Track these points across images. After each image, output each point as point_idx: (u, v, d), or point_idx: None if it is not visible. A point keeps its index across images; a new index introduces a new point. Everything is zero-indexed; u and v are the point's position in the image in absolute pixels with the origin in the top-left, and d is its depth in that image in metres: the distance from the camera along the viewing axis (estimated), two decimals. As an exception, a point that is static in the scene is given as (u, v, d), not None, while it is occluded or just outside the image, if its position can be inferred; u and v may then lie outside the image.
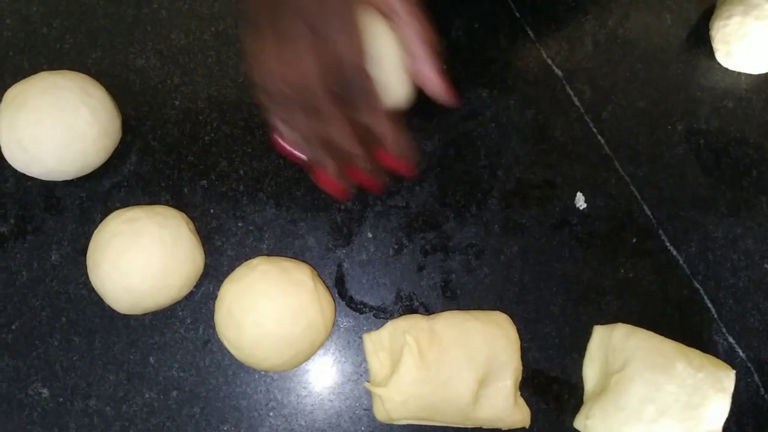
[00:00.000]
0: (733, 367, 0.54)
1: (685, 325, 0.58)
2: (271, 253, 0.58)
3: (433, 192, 0.60)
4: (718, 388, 0.53)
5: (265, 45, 0.44)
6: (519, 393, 0.54)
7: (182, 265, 0.53)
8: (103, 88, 0.56)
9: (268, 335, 0.51)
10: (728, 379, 0.53)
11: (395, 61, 0.48)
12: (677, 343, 0.55)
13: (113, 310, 0.55)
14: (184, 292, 0.54)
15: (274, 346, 0.51)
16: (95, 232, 0.54)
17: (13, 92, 0.54)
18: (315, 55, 0.43)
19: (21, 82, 0.54)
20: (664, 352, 0.54)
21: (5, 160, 0.55)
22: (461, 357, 0.52)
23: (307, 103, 0.44)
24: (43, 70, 0.57)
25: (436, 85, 0.49)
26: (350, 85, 0.43)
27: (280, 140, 0.49)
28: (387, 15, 0.47)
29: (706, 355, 0.55)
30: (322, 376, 0.56)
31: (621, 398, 0.53)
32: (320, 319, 0.53)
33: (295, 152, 0.49)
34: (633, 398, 0.52)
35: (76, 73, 0.56)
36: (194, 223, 0.57)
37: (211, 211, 0.58)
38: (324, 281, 0.57)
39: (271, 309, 0.51)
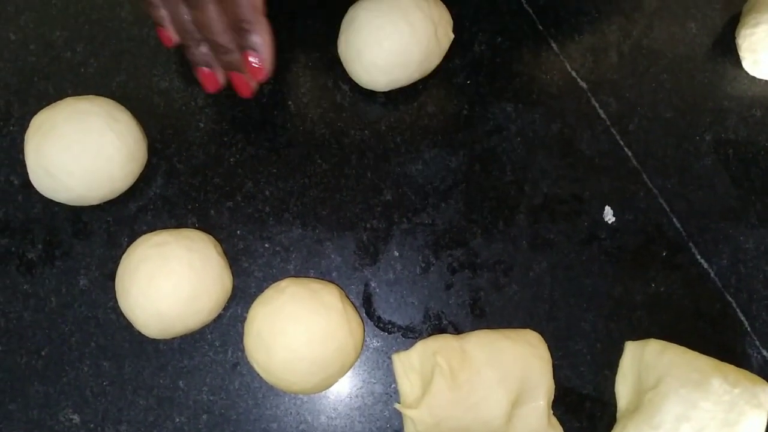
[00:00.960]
0: (768, 381, 0.53)
1: (717, 339, 0.58)
2: (298, 273, 0.57)
3: (459, 208, 0.59)
4: (754, 404, 0.52)
5: None
6: (552, 412, 0.54)
7: (211, 289, 0.53)
8: (128, 112, 0.56)
9: (298, 359, 0.51)
10: (765, 394, 0.52)
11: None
12: (711, 358, 0.54)
13: (142, 335, 0.55)
14: (213, 315, 0.54)
15: (305, 369, 0.51)
16: (123, 257, 0.54)
17: (40, 119, 0.54)
18: None
19: (47, 108, 0.54)
20: (698, 367, 0.53)
21: (32, 186, 0.55)
22: (493, 377, 0.52)
23: None
24: (67, 95, 0.57)
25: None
26: None
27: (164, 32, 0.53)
28: None
29: (741, 370, 0.54)
30: (352, 398, 0.56)
31: (655, 416, 0.52)
32: (350, 340, 0.52)
33: (170, 38, 0.54)
34: (668, 416, 0.52)
35: (102, 98, 0.56)
36: (221, 245, 0.56)
37: (238, 232, 0.58)
38: (351, 301, 0.56)
39: (300, 332, 0.51)
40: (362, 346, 0.55)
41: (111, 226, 0.58)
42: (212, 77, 0.54)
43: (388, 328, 0.57)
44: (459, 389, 0.52)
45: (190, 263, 0.52)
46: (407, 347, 0.55)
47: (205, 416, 0.55)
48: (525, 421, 0.53)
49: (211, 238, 0.56)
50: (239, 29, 0.50)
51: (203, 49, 0.53)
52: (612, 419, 0.56)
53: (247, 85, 0.54)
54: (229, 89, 0.55)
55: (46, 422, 0.54)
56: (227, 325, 0.56)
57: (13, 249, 0.57)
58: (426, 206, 0.59)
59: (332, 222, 0.59)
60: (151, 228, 0.57)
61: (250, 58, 0.52)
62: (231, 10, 0.49)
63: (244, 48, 0.51)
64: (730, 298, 0.58)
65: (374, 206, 0.59)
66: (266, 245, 0.58)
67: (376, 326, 0.57)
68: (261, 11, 0.50)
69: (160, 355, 0.56)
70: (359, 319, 0.55)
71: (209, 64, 0.54)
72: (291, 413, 0.55)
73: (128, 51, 0.61)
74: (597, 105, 0.62)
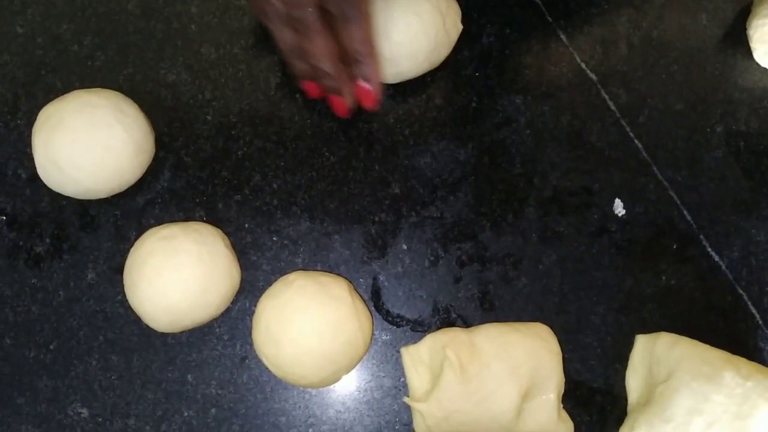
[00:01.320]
0: (781, 375, 0.52)
1: (729, 332, 0.57)
2: (306, 266, 0.57)
3: (468, 201, 0.59)
4: (767, 397, 0.51)
5: None
6: (562, 406, 0.53)
7: (220, 282, 0.52)
8: (136, 105, 0.56)
9: (307, 352, 0.50)
10: (777, 387, 0.52)
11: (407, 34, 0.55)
12: (723, 351, 0.54)
13: (150, 329, 0.55)
14: (222, 308, 0.54)
15: (313, 362, 0.51)
16: (131, 250, 0.54)
17: (47, 112, 0.54)
18: None
19: (55, 101, 0.54)
20: (710, 360, 0.52)
21: (39, 180, 0.55)
22: (503, 371, 0.51)
23: (295, 17, 0.47)
24: (75, 88, 0.57)
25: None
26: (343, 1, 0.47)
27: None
28: None
29: (754, 363, 0.54)
30: (361, 392, 0.56)
31: (667, 409, 0.52)
32: (359, 334, 0.52)
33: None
34: (680, 409, 0.51)
35: (110, 90, 0.56)
36: (229, 239, 0.56)
37: (246, 225, 0.58)
38: (360, 294, 0.56)
39: (309, 325, 0.51)
40: (371, 340, 0.55)
41: (118, 220, 0.57)
42: (340, 101, 0.54)
43: (397, 321, 0.57)
44: (468, 383, 0.51)
45: (199, 256, 0.52)
46: (416, 341, 0.55)
47: (213, 410, 0.55)
48: (535, 414, 0.52)
49: (219, 231, 0.55)
50: (352, 60, 0.51)
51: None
52: (622, 413, 0.55)
53: (345, 106, 0.55)
54: (235, 84, 0.55)
55: (54, 416, 0.54)
56: (235, 319, 0.56)
57: (20, 243, 0.57)
58: (434, 199, 0.59)
59: (340, 215, 0.58)
60: (159, 221, 0.57)
61: (362, 86, 0.53)
62: (347, 43, 0.50)
63: (353, 76, 0.53)
64: (741, 291, 0.58)
65: (382, 199, 0.59)
66: (274, 238, 0.58)
67: (385, 320, 0.57)
68: (374, 44, 0.51)
69: (169, 348, 0.55)
70: (368, 313, 0.54)
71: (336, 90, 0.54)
72: (300, 407, 0.55)
73: (135, 44, 0.61)
74: (607, 97, 0.61)
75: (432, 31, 0.56)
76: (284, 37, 0.50)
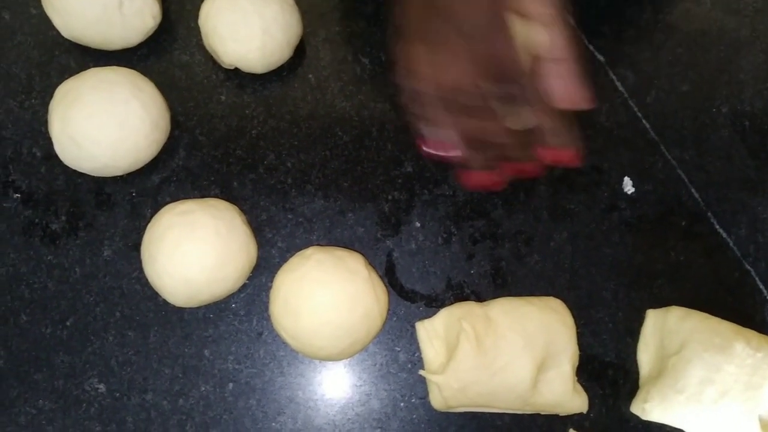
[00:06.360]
0: (789, 347, 0.53)
1: (737, 307, 0.58)
2: (320, 243, 0.58)
3: (480, 180, 0.59)
4: (776, 368, 0.52)
5: (417, 52, 0.46)
6: (576, 378, 0.54)
7: (237, 257, 0.53)
8: (152, 83, 0.56)
9: (325, 323, 0.51)
10: (786, 359, 0.53)
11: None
12: (733, 324, 0.55)
13: (167, 304, 0.55)
14: (239, 283, 0.54)
15: (332, 334, 0.51)
16: (149, 225, 0.54)
17: (65, 88, 0.54)
18: (470, 57, 0.44)
19: (72, 78, 0.54)
20: (721, 332, 0.53)
21: (55, 158, 0.55)
22: (519, 342, 0.52)
23: (461, 104, 0.46)
24: (88, 68, 0.57)
25: (570, 93, 0.47)
26: (508, 83, 0.45)
27: (425, 146, 0.50)
28: (529, 18, 0.46)
29: (763, 335, 0.55)
30: (376, 366, 0.56)
31: (679, 381, 0.52)
32: (376, 307, 0.53)
33: (441, 153, 0.50)
34: (692, 380, 0.52)
35: (126, 68, 0.56)
36: (245, 216, 0.57)
37: (261, 203, 0.58)
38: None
39: (328, 297, 0.51)
40: (387, 313, 0.55)
41: (134, 198, 0.58)
42: (492, 179, 0.51)
43: (411, 297, 0.57)
44: (485, 354, 0.52)
45: (217, 231, 0.52)
46: (430, 316, 0.55)
47: (230, 385, 0.55)
48: (550, 385, 0.53)
49: (236, 207, 0.56)
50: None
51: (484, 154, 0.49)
52: (634, 386, 0.56)
53: (538, 167, 0.50)
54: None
55: (71, 392, 0.55)
56: (251, 294, 0.56)
57: (36, 220, 0.57)
58: (447, 177, 0.59)
59: (354, 193, 0.59)
60: (174, 199, 0.57)
61: (562, 154, 0.48)
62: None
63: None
64: (748, 267, 0.59)
65: (395, 178, 0.59)
66: (289, 216, 0.58)
67: (399, 296, 0.57)
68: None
69: (185, 324, 0.56)
70: (384, 287, 0.55)
71: (491, 167, 0.50)
72: (316, 381, 0.55)
73: (149, 25, 0.61)
74: (615, 78, 0.62)
75: None
76: (447, 125, 0.47)
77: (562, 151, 0.48)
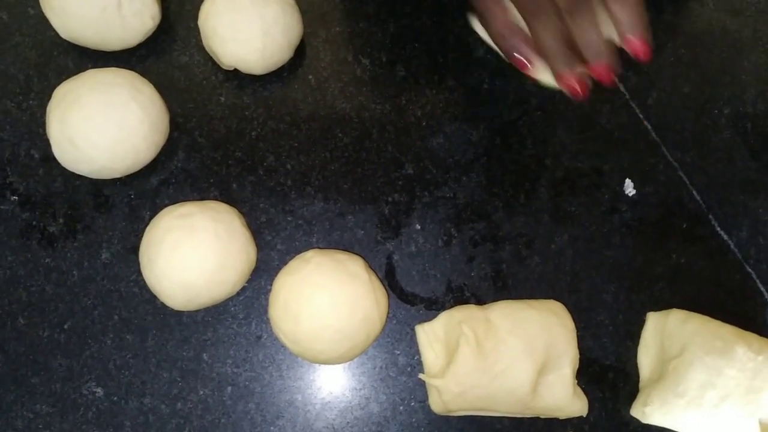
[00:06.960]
0: (790, 350, 0.53)
1: (738, 309, 0.58)
2: (320, 246, 0.57)
3: (480, 182, 0.59)
4: (778, 372, 0.52)
5: None
6: (576, 381, 0.54)
7: (237, 259, 0.52)
8: (151, 84, 0.56)
9: (325, 327, 0.51)
10: (788, 362, 0.53)
11: None
12: (734, 327, 0.54)
13: (165, 308, 0.55)
14: (239, 286, 0.54)
15: (331, 338, 0.51)
16: (147, 228, 0.53)
17: (63, 90, 0.54)
18: None
19: (70, 79, 0.54)
20: (722, 336, 0.53)
21: (53, 160, 0.55)
22: (519, 346, 0.52)
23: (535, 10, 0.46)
24: (87, 69, 0.56)
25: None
26: None
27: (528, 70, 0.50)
28: None
29: (764, 338, 0.54)
30: (376, 370, 0.56)
31: (680, 384, 0.52)
32: (375, 310, 0.52)
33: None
34: (692, 384, 0.52)
35: (125, 70, 0.56)
36: (244, 218, 0.56)
37: (260, 206, 0.58)
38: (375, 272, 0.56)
39: (327, 300, 0.51)
40: (387, 317, 0.55)
41: (132, 200, 0.57)
42: (583, 83, 0.49)
43: (411, 300, 0.57)
44: (485, 358, 0.52)
45: (216, 233, 0.52)
46: (430, 319, 0.55)
47: (229, 388, 0.55)
48: (550, 389, 0.53)
49: (235, 210, 0.55)
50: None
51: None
52: (634, 389, 0.56)
53: (584, 85, 0.49)
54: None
55: (69, 395, 0.54)
56: (250, 298, 0.56)
57: (34, 223, 0.57)
58: (447, 180, 0.59)
59: (354, 196, 0.59)
60: (173, 202, 0.56)
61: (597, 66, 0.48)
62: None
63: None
64: (749, 269, 0.58)
65: (395, 180, 0.59)
66: (288, 218, 0.58)
67: (399, 298, 0.57)
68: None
69: (184, 327, 0.55)
70: (384, 290, 0.55)
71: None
72: (315, 385, 0.55)
73: (148, 26, 0.61)
74: (616, 79, 0.62)
75: None
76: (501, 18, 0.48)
77: (636, 42, 0.48)
